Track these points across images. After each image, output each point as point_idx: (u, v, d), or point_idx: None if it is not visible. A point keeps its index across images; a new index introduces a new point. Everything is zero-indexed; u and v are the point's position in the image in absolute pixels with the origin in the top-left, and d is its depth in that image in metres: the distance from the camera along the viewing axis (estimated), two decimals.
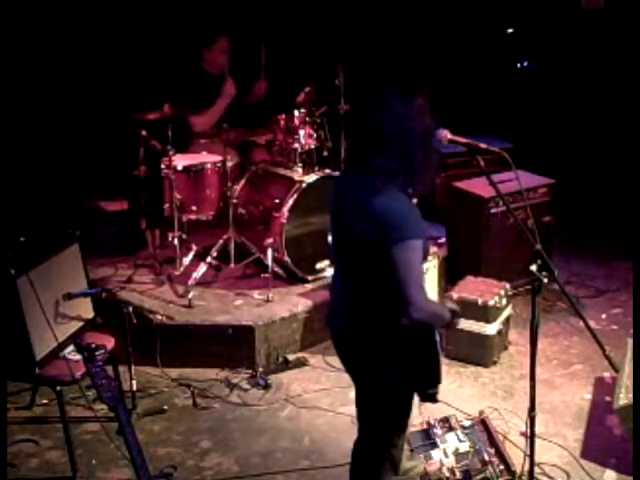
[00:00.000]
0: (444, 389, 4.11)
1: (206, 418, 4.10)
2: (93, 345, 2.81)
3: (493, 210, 5.09)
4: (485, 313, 4.42)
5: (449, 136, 2.96)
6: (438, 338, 2.72)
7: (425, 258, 2.69)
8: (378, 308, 2.66)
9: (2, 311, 3.46)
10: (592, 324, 4.69)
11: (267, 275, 4.82)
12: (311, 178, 4.96)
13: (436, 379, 2.74)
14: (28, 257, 3.58)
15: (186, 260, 5.04)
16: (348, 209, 2.67)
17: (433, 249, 5.10)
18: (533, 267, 2.86)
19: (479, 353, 4.49)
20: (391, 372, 2.72)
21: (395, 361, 2.71)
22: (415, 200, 2.89)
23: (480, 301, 4.43)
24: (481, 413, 3.89)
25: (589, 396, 4.20)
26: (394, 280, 2.52)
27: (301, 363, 4.61)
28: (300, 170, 5.07)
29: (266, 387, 4.35)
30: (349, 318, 2.78)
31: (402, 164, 2.57)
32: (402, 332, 2.62)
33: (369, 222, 2.55)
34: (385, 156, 2.57)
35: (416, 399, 2.88)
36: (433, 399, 2.81)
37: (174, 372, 4.50)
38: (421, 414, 3.67)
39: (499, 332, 4.49)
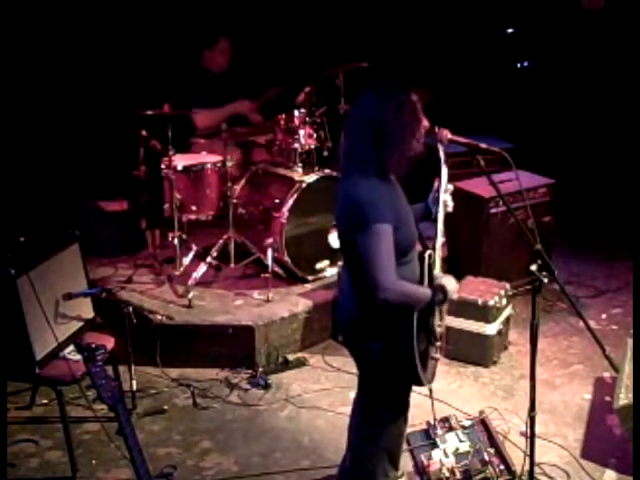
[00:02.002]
0: (444, 389, 4.17)
1: (206, 418, 4.11)
2: (93, 345, 2.81)
3: (493, 210, 5.09)
4: (485, 313, 4.42)
5: (449, 136, 2.97)
6: (416, 322, 2.74)
7: (421, 244, 2.85)
8: (365, 288, 2.71)
9: (2, 311, 3.46)
10: (592, 324, 4.69)
11: (267, 275, 4.82)
12: (311, 178, 4.96)
13: (412, 360, 2.77)
14: (28, 257, 3.58)
15: (186, 260, 5.04)
16: (338, 204, 2.81)
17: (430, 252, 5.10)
18: (533, 267, 2.87)
19: (479, 353, 4.49)
20: (377, 344, 2.81)
21: (379, 334, 2.80)
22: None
23: (480, 301, 4.43)
24: (481, 413, 3.89)
25: (589, 396, 4.20)
26: (361, 264, 2.65)
27: (301, 363, 4.61)
28: (300, 170, 5.07)
29: (266, 387, 4.35)
30: (349, 299, 2.88)
31: (374, 151, 2.69)
32: (383, 309, 2.71)
33: (346, 212, 2.74)
34: (358, 145, 2.73)
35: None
36: (418, 382, 2.87)
37: (174, 372, 4.50)
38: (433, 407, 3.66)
39: (499, 332, 4.49)
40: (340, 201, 2.78)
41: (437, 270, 2.91)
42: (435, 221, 3.02)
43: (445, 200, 3.01)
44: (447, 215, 3.05)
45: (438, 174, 3.04)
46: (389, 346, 2.80)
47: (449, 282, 2.87)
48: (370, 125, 2.69)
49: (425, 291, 2.80)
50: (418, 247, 2.93)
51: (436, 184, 3.02)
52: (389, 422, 3.00)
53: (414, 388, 3.02)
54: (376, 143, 2.68)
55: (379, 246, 2.63)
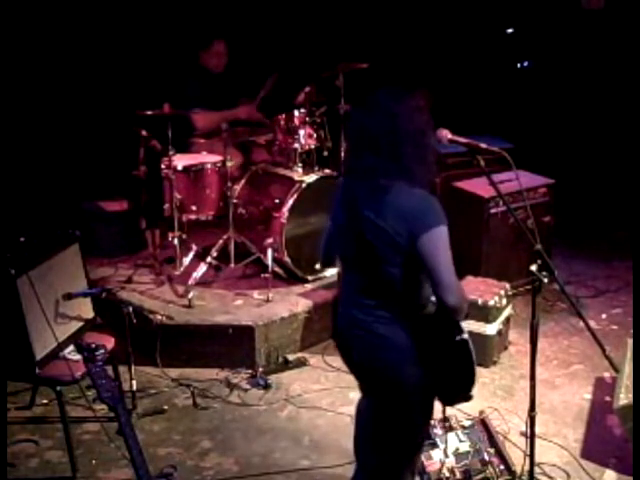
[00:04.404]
0: None
1: (206, 418, 4.10)
2: (93, 345, 2.80)
3: (493, 210, 5.09)
4: (485, 313, 4.42)
5: (449, 136, 2.96)
6: (467, 336, 2.63)
7: None
8: (400, 305, 2.61)
9: (2, 311, 3.46)
10: (592, 324, 4.69)
11: (267, 275, 4.82)
12: (311, 178, 4.96)
13: (471, 380, 2.66)
14: (28, 257, 3.58)
15: (186, 260, 5.04)
16: (364, 215, 2.61)
17: None
18: (533, 267, 2.87)
19: (479, 353, 4.42)
20: (415, 369, 2.62)
21: (419, 357, 2.63)
22: None
23: (480, 301, 4.43)
24: (481, 413, 3.89)
25: (589, 396, 4.20)
26: (426, 270, 2.51)
27: (301, 363, 4.61)
28: (300, 170, 5.07)
29: (266, 387, 4.35)
30: (367, 323, 2.68)
31: (394, 162, 2.57)
32: (425, 326, 2.60)
33: (394, 221, 2.54)
34: (377, 156, 2.57)
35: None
36: (469, 398, 2.74)
37: (174, 372, 4.50)
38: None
39: (499, 332, 4.49)
40: (379, 213, 2.56)
41: None
42: None
43: None
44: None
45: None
46: (427, 372, 2.63)
47: None
48: (384, 131, 2.55)
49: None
50: None
51: None
52: (417, 450, 2.86)
53: None
54: (393, 151, 2.56)
55: (444, 247, 2.52)
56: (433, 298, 2.62)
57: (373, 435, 2.82)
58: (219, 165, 5.05)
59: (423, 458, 3.56)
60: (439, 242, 2.52)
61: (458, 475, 3.44)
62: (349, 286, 2.79)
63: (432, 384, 2.67)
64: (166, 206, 5.02)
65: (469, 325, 4.40)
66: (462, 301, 2.55)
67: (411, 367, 2.62)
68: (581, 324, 4.22)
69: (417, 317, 2.63)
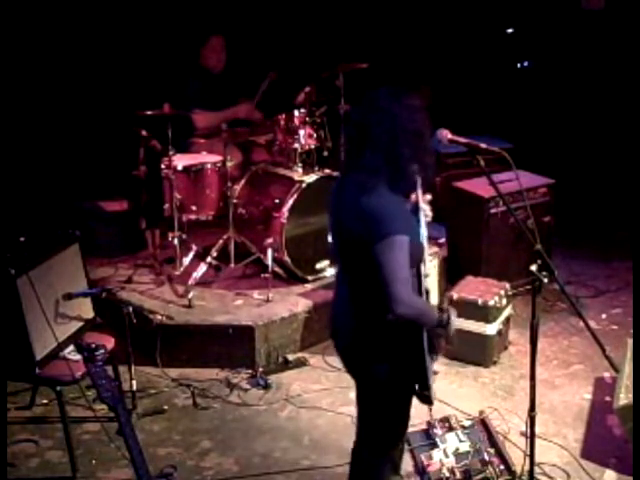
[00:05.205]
0: (444, 389, 4.17)
1: (206, 418, 4.10)
2: (93, 345, 2.81)
3: (493, 210, 5.09)
4: (485, 313, 4.42)
5: (449, 136, 2.96)
6: (426, 341, 2.65)
7: (419, 258, 2.70)
8: (370, 304, 2.66)
9: (2, 311, 3.46)
10: (592, 324, 4.69)
11: (267, 275, 4.82)
12: (311, 178, 4.96)
13: (424, 380, 2.69)
14: (28, 257, 3.58)
15: (186, 260, 5.04)
16: (344, 209, 2.69)
17: (433, 249, 5.11)
18: (533, 267, 2.87)
19: (479, 353, 4.49)
20: (383, 367, 2.72)
21: (386, 356, 2.71)
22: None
23: (480, 301, 4.43)
24: (481, 413, 3.89)
25: (589, 396, 4.20)
26: (378, 276, 2.55)
27: (301, 363, 4.61)
28: (300, 170, 5.07)
29: (266, 387, 4.35)
30: (347, 315, 2.80)
31: (389, 161, 2.58)
32: (390, 328, 2.64)
33: (359, 220, 2.59)
34: (373, 153, 2.59)
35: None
36: (428, 401, 2.77)
37: (174, 372, 4.50)
38: (430, 411, 3.65)
39: (499, 332, 4.49)
40: (348, 209, 2.64)
41: (432, 278, 2.87)
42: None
43: (424, 209, 2.94)
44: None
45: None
46: (397, 367, 2.70)
47: (454, 314, 2.84)
48: (380, 137, 2.57)
49: (434, 312, 2.72)
50: None
51: (413, 196, 2.92)
52: (394, 437, 2.95)
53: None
54: (389, 154, 2.57)
55: (399, 258, 2.52)
56: None
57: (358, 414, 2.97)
58: (219, 165, 5.05)
59: (423, 458, 3.57)
60: (391, 252, 2.52)
61: (458, 475, 3.45)
62: (337, 280, 2.95)
63: (401, 381, 2.73)
64: (166, 206, 5.02)
65: (469, 325, 4.41)
66: (411, 312, 2.56)
67: (379, 364, 2.71)
68: (581, 324, 4.21)
69: (383, 316, 2.62)
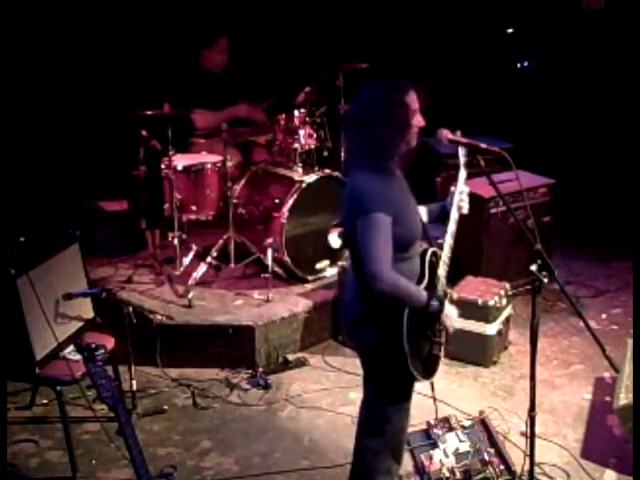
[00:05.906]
0: (444, 389, 4.17)
1: (206, 418, 4.10)
2: (93, 345, 2.81)
3: (493, 210, 5.09)
4: (485, 313, 4.42)
5: (449, 136, 2.97)
6: (407, 320, 2.70)
7: (411, 240, 2.81)
8: (364, 282, 2.73)
9: (2, 311, 3.46)
10: (592, 324, 4.69)
11: (267, 275, 4.82)
12: (311, 178, 4.96)
13: (403, 357, 2.73)
14: (28, 257, 3.58)
15: (186, 260, 5.04)
16: (344, 201, 2.84)
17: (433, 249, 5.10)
18: (533, 267, 2.87)
19: (479, 353, 4.49)
20: (370, 332, 2.81)
21: (373, 324, 2.81)
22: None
23: (480, 301, 4.43)
24: (481, 413, 3.89)
25: (589, 396, 4.20)
26: (360, 251, 2.68)
27: (301, 363, 4.61)
28: (300, 170, 5.07)
29: (266, 387, 4.35)
30: (352, 290, 2.90)
31: (371, 142, 2.73)
32: (377, 302, 2.74)
33: (349, 199, 2.77)
34: (357, 132, 2.78)
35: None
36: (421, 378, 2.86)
37: (174, 372, 4.50)
38: (435, 403, 3.65)
39: (499, 332, 4.49)
40: (345, 197, 2.82)
41: (441, 270, 2.89)
42: (445, 223, 3.01)
43: (460, 202, 3.02)
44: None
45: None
46: (381, 337, 2.80)
47: (450, 310, 2.88)
48: (362, 121, 2.76)
49: (419, 291, 2.77)
50: (424, 244, 2.92)
51: (452, 188, 3.02)
52: (391, 417, 2.98)
53: (415, 388, 3.01)
54: (369, 139, 2.74)
55: (376, 236, 2.65)
56: None
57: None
58: (219, 165, 5.05)
59: (423, 458, 3.57)
60: (370, 229, 2.66)
61: (458, 475, 3.44)
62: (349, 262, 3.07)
63: (387, 351, 2.79)
64: (166, 206, 5.02)
65: (469, 325, 4.41)
66: (389, 290, 2.66)
67: (366, 330, 2.83)
68: (581, 324, 4.22)
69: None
